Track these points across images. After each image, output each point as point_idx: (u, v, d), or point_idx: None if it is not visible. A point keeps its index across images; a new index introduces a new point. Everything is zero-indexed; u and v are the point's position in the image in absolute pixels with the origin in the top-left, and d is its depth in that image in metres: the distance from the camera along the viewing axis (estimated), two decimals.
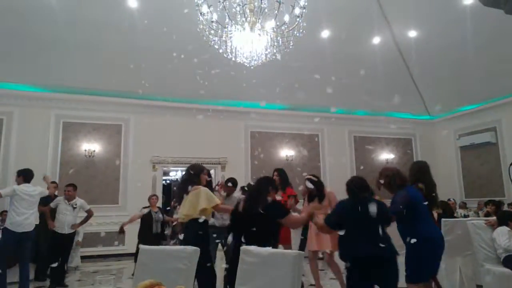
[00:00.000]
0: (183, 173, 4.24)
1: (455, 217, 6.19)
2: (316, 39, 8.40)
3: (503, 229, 4.16)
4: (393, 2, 8.11)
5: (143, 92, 8.32)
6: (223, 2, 4.60)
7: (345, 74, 9.34)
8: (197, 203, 3.72)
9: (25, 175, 5.21)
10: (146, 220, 6.56)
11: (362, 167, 10.89)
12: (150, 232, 6.43)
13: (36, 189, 5.26)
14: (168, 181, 12.41)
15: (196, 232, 3.64)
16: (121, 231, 6.47)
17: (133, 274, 6.32)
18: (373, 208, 2.91)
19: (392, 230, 3.16)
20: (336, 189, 4.38)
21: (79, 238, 7.57)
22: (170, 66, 7.93)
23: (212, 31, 4.89)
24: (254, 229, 3.01)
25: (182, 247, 2.60)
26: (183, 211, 3.83)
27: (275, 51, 5.02)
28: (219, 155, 9.76)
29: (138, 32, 7.62)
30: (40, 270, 6.27)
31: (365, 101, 10.30)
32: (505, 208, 7.90)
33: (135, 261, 6.40)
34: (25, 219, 4.99)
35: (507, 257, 3.98)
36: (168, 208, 7.19)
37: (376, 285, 2.79)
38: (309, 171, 8.05)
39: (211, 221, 4.60)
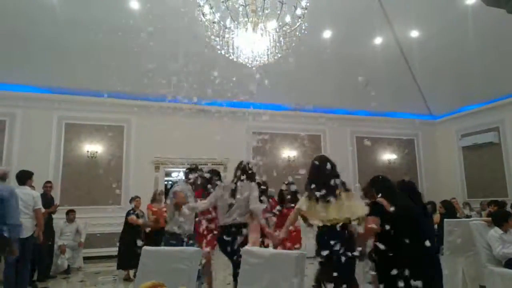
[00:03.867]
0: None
1: (457, 218, 6.17)
2: (318, 40, 8.39)
3: (495, 232, 4.10)
4: (394, 2, 8.09)
5: (145, 93, 8.31)
6: (225, 2, 4.60)
7: (347, 75, 9.32)
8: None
9: (17, 177, 5.14)
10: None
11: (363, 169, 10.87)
12: (141, 235, 6.51)
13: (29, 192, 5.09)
14: (170, 182, 12.39)
15: None
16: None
17: (125, 279, 6.39)
18: None
19: None
20: None
21: (81, 239, 7.60)
22: (171, 67, 7.92)
23: (214, 31, 4.89)
24: None
25: (182, 248, 2.59)
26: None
27: (277, 51, 5.02)
28: (221, 156, 9.74)
29: (139, 33, 7.62)
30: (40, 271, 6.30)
31: (367, 102, 10.28)
32: (508, 208, 7.85)
33: (122, 267, 6.47)
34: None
35: (508, 261, 3.96)
36: None
37: None
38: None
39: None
